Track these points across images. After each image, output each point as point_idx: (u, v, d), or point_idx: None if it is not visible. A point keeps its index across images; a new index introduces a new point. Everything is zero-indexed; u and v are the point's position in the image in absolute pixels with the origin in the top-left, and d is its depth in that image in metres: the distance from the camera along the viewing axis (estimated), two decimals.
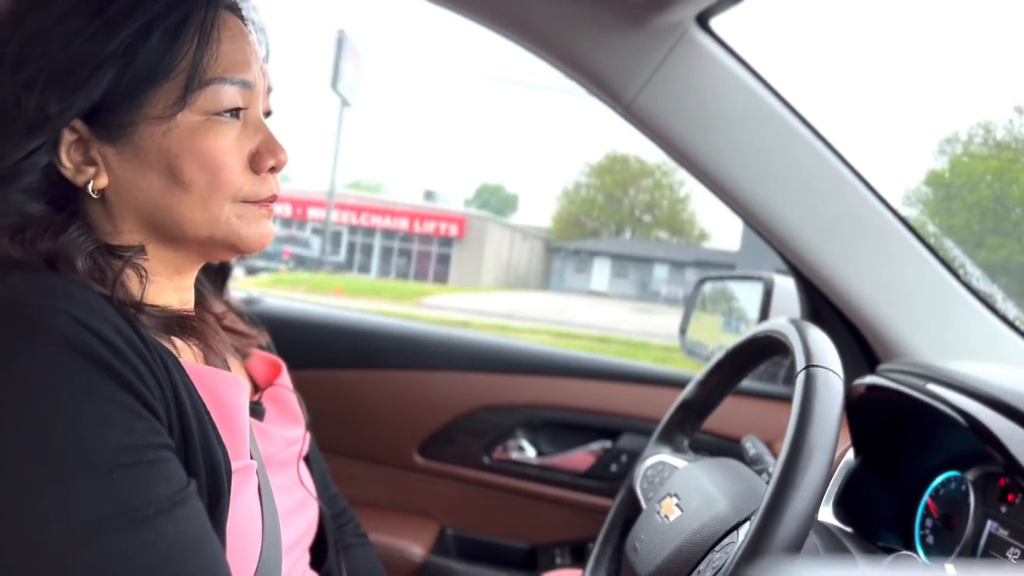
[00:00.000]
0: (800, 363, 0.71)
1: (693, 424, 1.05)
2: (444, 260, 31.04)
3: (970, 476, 0.92)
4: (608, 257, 36.95)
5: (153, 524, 0.55)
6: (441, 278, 30.02)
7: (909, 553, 0.70)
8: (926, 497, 0.98)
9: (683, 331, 1.84)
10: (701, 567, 0.70)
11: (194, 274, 0.78)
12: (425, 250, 31.26)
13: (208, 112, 0.68)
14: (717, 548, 0.71)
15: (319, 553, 0.96)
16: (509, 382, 1.67)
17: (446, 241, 31.01)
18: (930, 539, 0.96)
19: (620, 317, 19.36)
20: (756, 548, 0.59)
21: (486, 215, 33.97)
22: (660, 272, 36.44)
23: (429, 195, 37.08)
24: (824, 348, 0.73)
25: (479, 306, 17.12)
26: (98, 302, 0.60)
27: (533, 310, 17.69)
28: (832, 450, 0.64)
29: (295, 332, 1.72)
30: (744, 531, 0.70)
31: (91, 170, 0.67)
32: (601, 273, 36.61)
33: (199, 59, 0.67)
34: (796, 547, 0.60)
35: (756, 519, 0.61)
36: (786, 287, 1.49)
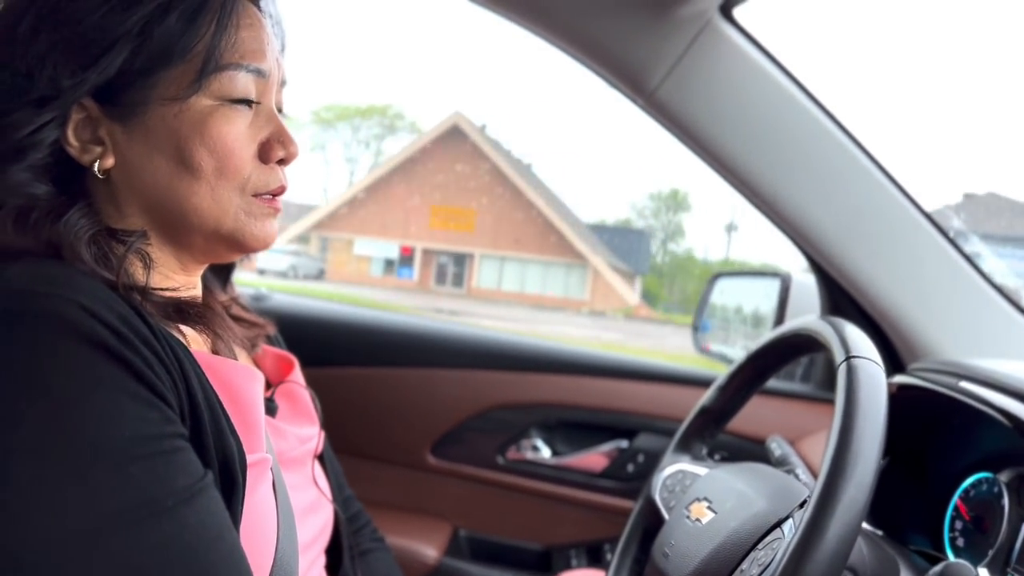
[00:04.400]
0: (840, 356, 0.70)
1: (712, 431, 1.03)
2: None
3: (1004, 477, 0.90)
4: None
5: (174, 515, 0.54)
6: None
7: (961, 562, 0.67)
8: (956, 499, 0.97)
9: (696, 328, 1.82)
10: (744, 566, 0.68)
11: (199, 272, 0.77)
12: None
13: (221, 97, 0.68)
14: (760, 546, 0.69)
15: (334, 557, 0.95)
16: (523, 380, 1.65)
17: None
18: (960, 542, 0.94)
19: None
20: (810, 540, 0.58)
21: None
22: None
23: None
24: (862, 340, 0.73)
25: None
26: (103, 290, 0.59)
27: None
28: (881, 441, 0.63)
29: (304, 330, 1.70)
30: (788, 528, 0.68)
31: (98, 149, 0.67)
32: None
33: (216, 43, 0.66)
34: (850, 540, 0.58)
35: (808, 511, 0.60)
36: (804, 284, 1.47)
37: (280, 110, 0.75)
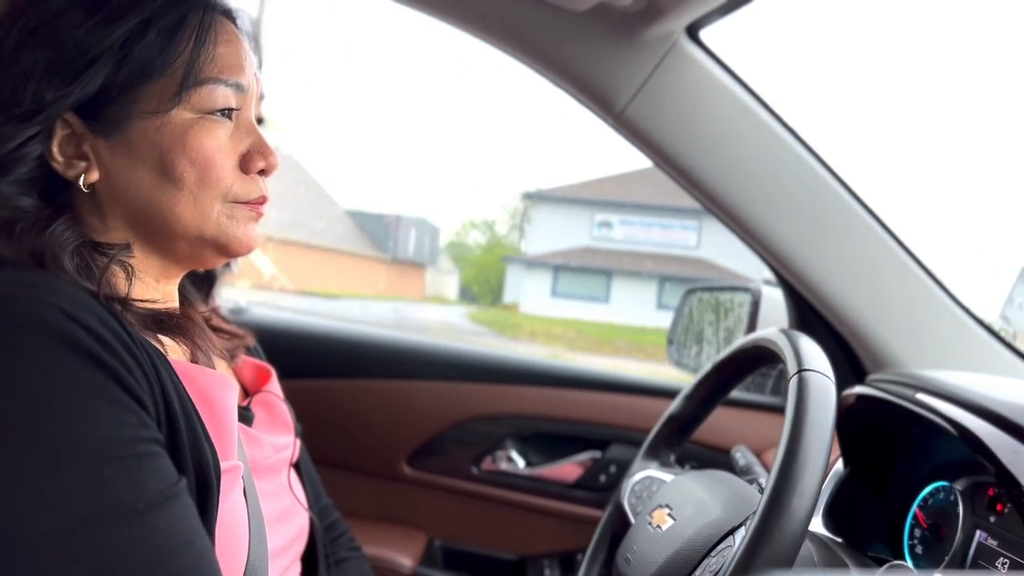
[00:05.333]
0: (792, 368, 0.72)
1: (679, 439, 1.05)
2: None
3: (959, 486, 0.92)
4: None
5: (144, 519, 0.55)
6: None
7: (901, 563, 0.70)
8: (915, 507, 0.99)
9: (671, 341, 1.85)
10: (697, 573, 0.70)
11: (179, 278, 0.79)
12: None
13: (202, 110, 0.70)
14: (713, 553, 0.71)
15: (310, 564, 0.96)
16: (498, 392, 1.67)
17: None
18: (919, 549, 0.96)
19: None
20: (754, 549, 0.60)
21: None
22: None
23: None
24: (814, 353, 0.74)
25: None
26: (84, 297, 0.60)
27: None
28: (827, 452, 0.65)
29: (283, 342, 1.69)
30: (740, 535, 0.70)
31: (82, 164, 0.68)
32: None
33: (195, 58, 0.69)
34: (794, 549, 0.60)
35: (754, 521, 0.62)
36: (773, 298, 1.50)
37: (260, 122, 0.77)
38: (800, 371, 0.71)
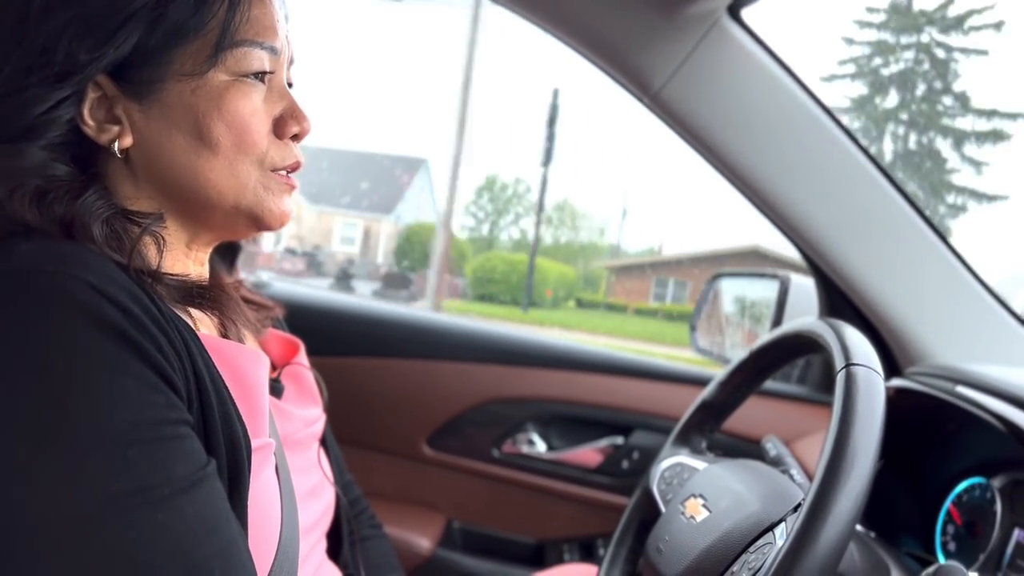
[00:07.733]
0: (839, 362, 0.69)
1: (712, 425, 1.03)
2: None
3: (996, 483, 0.91)
4: None
5: (169, 504, 0.53)
6: None
7: (954, 564, 0.68)
8: (948, 503, 0.97)
9: (694, 328, 1.83)
10: (735, 568, 0.68)
11: (209, 250, 0.77)
12: None
13: (237, 73, 0.68)
14: (751, 549, 0.69)
15: (334, 541, 0.95)
16: (521, 375, 1.65)
17: None
18: (952, 546, 0.95)
19: None
20: (800, 549, 0.58)
21: None
22: None
23: None
24: (863, 346, 0.71)
25: None
26: (114, 270, 0.58)
27: None
28: (876, 452, 0.62)
29: (304, 318, 1.69)
30: (780, 532, 0.68)
31: (115, 129, 0.67)
32: None
33: (229, 19, 0.67)
34: (840, 550, 0.58)
35: (799, 520, 0.59)
36: (802, 286, 1.48)
37: (291, 86, 0.76)
38: (848, 365, 0.68)
